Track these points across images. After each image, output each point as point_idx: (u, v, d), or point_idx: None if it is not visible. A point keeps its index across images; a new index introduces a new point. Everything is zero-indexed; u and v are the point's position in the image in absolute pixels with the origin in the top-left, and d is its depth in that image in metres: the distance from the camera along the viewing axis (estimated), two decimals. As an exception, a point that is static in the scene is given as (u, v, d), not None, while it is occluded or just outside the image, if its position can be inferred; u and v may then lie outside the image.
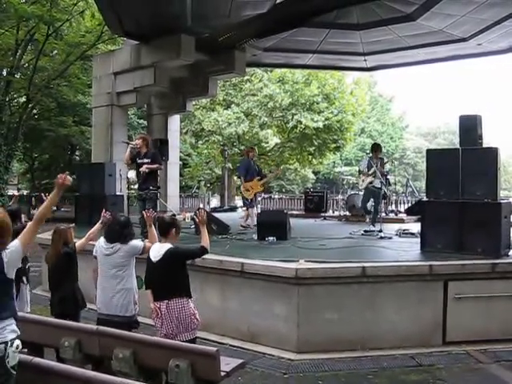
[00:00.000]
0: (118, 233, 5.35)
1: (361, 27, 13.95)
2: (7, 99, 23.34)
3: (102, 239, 5.47)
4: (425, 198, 8.58)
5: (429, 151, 8.48)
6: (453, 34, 13.67)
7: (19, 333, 3.34)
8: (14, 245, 3.31)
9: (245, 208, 12.34)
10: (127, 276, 5.31)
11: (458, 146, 8.03)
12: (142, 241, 8.90)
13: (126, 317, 5.24)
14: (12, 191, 29.23)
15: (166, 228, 5.01)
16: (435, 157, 8.15)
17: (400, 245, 8.85)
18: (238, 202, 35.40)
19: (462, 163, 7.51)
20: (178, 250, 4.94)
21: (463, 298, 6.73)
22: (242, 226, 11.69)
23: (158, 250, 4.92)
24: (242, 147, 29.97)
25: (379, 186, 10.92)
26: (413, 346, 6.58)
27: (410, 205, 17.69)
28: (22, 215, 7.05)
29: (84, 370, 3.68)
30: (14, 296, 3.41)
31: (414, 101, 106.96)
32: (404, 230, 10.48)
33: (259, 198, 25.77)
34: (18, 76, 24.06)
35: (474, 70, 71.63)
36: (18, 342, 3.26)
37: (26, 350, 4.46)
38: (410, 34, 13.98)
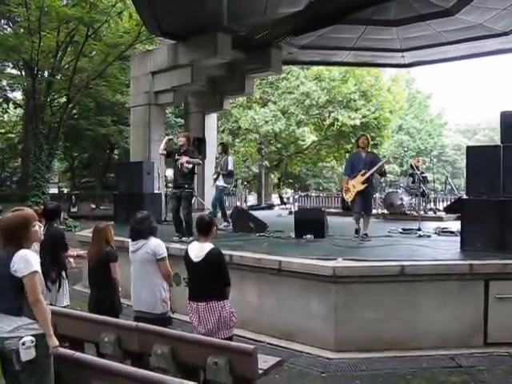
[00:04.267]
0: (136, 230, 5.38)
1: (398, 23, 13.79)
2: (48, 100, 23.83)
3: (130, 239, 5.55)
4: (464, 196, 8.42)
5: (469, 148, 8.29)
6: (493, 28, 13.40)
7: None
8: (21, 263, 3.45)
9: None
10: (153, 273, 5.29)
11: (498, 143, 7.85)
12: (179, 237, 9.04)
13: (154, 314, 5.23)
14: (53, 189, 29.84)
15: (207, 227, 4.99)
16: (475, 154, 7.96)
17: (439, 243, 8.70)
18: (275, 200, 35.50)
19: (503, 160, 7.34)
20: (220, 258, 4.91)
21: (505, 298, 6.58)
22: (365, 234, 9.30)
23: (199, 250, 4.89)
24: (279, 145, 30.00)
25: (222, 184, 11.81)
26: (453, 347, 6.47)
27: (449, 203, 17.45)
28: (62, 213, 7.19)
29: (123, 366, 3.74)
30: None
31: (453, 97, 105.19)
32: (443, 229, 10.31)
33: (296, 196, 25.80)
34: (58, 77, 24.55)
35: (515, 65, 69.92)
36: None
37: (67, 344, 4.59)
38: (448, 29, 13.75)
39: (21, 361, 3.34)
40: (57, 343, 3.50)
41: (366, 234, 9.19)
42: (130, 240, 5.51)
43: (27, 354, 3.34)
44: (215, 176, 11.96)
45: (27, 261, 3.43)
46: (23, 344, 3.33)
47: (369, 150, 9.54)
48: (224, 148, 12.25)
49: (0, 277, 3.43)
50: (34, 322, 3.44)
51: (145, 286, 5.30)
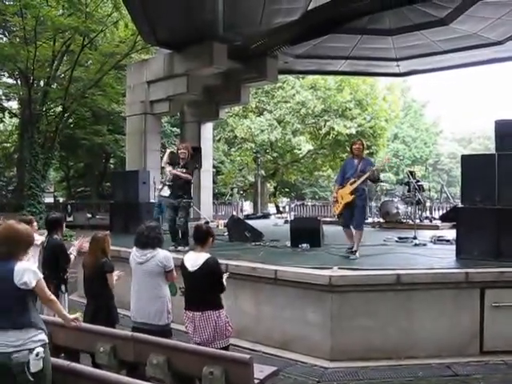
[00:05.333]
0: (145, 237, 5.27)
1: (393, 32, 13.89)
2: (44, 109, 23.79)
3: (134, 248, 5.41)
4: (460, 205, 8.44)
5: (464, 157, 8.32)
6: (488, 37, 13.51)
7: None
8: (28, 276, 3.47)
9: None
10: (160, 284, 5.23)
11: (493, 152, 7.88)
12: (175, 247, 9.00)
13: (159, 325, 5.15)
14: (48, 199, 29.74)
15: (204, 237, 4.98)
16: (470, 162, 7.98)
17: (435, 252, 8.71)
18: (271, 209, 35.50)
19: (498, 169, 7.36)
20: (217, 267, 4.90)
21: (501, 306, 6.58)
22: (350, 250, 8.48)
23: (195, 260, 4.86)
24: (275, 154, 30.03)
25: (166, 195, 10.33)
26: (449, 355, 6.46)
27: (444, 211, 17.47)
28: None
29: (119, 376, 3.72)
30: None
31: (449, 106, 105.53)
32: (439, 237, 10.33)
33: (292, 205, 25.80)
34: (54, 86, 24.53)
35: (510, 73, 70.32)
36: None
37: (62, 354, 4.56)
38: (443, 38, 13.86)
39: (30, 372, 3.36)
40: (72, 317, 3.97)
41: (353, 251, 8.26)
42: (134, 248, 5.38)
43: (36, 366, 3.38)
44: (160, 186, 11.34)
45: (34, 271, 3.52)
46: (37, 355, 3.39)
47: (363, 155, 8.69)
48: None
49: (3, 290, 3.41)
50: (39, 332, 3.49)
51: (152, 297, 5.19)
